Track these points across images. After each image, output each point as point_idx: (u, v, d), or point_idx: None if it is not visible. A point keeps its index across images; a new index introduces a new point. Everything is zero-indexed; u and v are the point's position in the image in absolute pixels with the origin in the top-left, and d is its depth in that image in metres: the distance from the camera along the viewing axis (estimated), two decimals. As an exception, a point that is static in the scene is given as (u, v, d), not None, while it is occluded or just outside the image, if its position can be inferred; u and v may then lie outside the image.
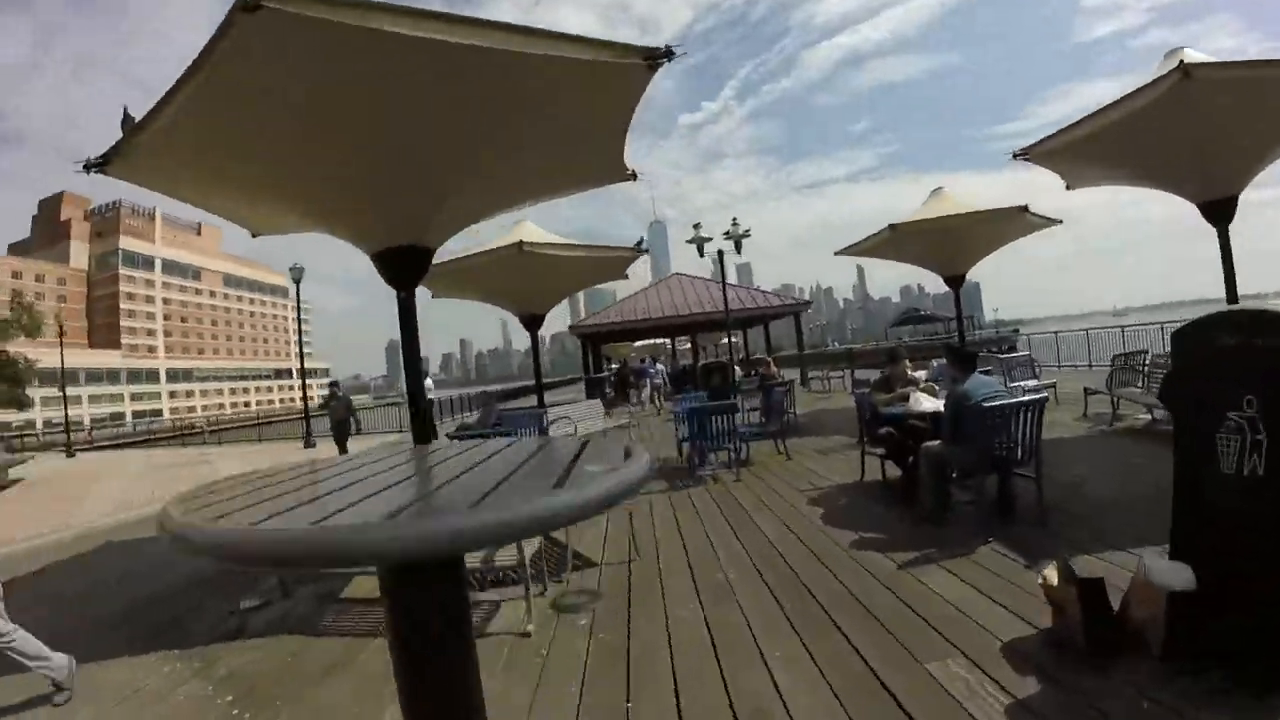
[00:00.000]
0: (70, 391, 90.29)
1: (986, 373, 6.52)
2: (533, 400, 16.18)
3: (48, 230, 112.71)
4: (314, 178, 5.76)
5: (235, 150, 5.31)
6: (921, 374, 8.00)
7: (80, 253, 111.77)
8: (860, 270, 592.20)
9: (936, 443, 5.88)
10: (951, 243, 14.10)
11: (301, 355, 27.08)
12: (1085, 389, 11.25)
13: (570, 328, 30.49)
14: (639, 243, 13.83)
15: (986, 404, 5.39)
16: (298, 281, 23.13)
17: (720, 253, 19.77)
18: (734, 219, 19.82)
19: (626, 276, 16.19)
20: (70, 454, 30.33)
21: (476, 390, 38.42)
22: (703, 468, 9.41)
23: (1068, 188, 11.66)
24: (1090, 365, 19.72)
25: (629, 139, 6.48)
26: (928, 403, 6.72)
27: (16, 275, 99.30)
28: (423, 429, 6.67)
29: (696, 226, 19.70)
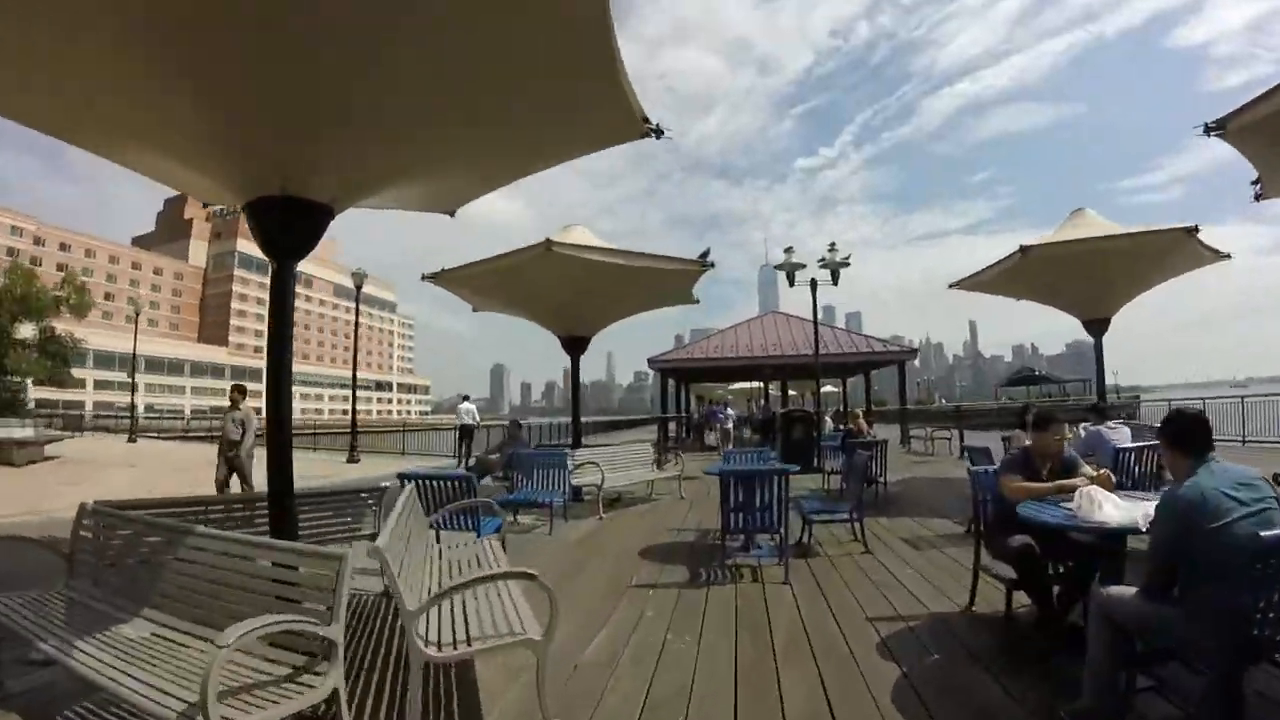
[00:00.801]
0: (175, 381, 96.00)
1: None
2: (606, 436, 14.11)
3: (170, 227, 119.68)
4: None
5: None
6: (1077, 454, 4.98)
7: (199, 251, 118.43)
8: (972, 325, 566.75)
9: (1125, 590, 3.14)
10: (1097, 274, 11.31)
11: (354, 365, 25.59)
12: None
13: (650, 361, 28.01)
14: (704, 254, 11.48)
15: (1264, 532, 2.64)
16: (359, 287, 21.90)
17: (814, 282, 17.00)
18: (832, 244, 17.03)
19: (696, 300, 13.91)
20: (132, 439, 30.32)
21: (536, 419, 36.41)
22: (745, 552, 6.81)
23: (1258, 197, 8.61)
24: (1243, 441, 16.25)
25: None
26: (1116, 510, 3.72)
27: (136, 266, 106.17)
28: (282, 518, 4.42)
29: (788, 250, 17.08)
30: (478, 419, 20.74)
